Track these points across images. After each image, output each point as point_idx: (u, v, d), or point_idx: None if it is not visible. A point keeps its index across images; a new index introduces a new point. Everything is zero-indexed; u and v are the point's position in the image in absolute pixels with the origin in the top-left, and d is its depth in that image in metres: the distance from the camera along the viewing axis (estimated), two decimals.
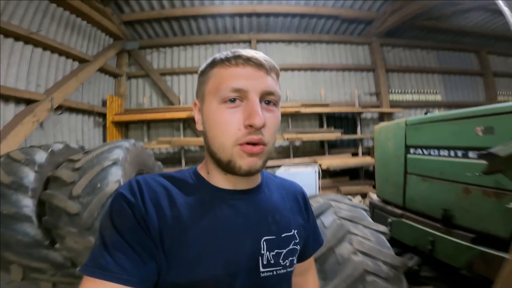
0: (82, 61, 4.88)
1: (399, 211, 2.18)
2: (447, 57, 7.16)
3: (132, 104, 6.25)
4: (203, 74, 0.63)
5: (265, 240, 0.63)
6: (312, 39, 6.54)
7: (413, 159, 2.17)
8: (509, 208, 1.28)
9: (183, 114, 5.51)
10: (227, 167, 0.59)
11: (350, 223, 1.40)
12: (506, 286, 0.91)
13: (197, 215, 0.59)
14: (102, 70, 5.48)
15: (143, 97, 6.21)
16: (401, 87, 6.78)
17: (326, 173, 5.58)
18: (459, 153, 1.71)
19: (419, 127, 2.13)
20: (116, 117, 5.59)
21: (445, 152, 1.82)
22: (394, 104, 6.54)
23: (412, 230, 1.93)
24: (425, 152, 2.03)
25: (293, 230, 0.68)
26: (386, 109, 6.36)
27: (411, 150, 2.20)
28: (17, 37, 3.66)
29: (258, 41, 6.38)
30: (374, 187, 4.44)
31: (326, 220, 1.43)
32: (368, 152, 6.12)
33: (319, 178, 4.17)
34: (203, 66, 0.64)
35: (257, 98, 0.57)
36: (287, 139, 5.63)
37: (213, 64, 0.61)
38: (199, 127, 0.65)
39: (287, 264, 0.66)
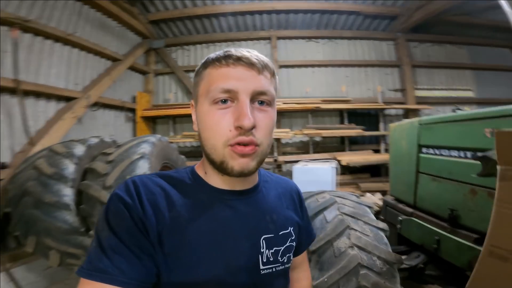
0: (114, 60, 5.21)
1: (409, 210, 2.22)
2: (480, 53, 6.74)
3: (159, 100, 6.58)
4: (197, 75, 0.64)
5: (264, 238, 0.64)
6: (333, 35, 6.46)
7: (425, 159, 2.19)
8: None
9: None
10: (220, 168, 0.59)
11: (351, 219, 1.49)
12: (482, 275, 0.98)
13: (196, 216, 0.59)
14: (131, 68, 5.80)
15: (169, 93, 6.53)
16: (428, 83, 6.52)
17: (346, 170, 5.58)
18: (468, 154, 1.72)
19: (431, 127, 2.14)
20: (145, 113, 5.95)
21: (455, 153, 1.84)
22: (421, 101, 6.32)
23: (420, 228, 1.97)
24: (436, 152, 2.05)
25: (289, 228, 0.71)
26: (411, 106, 6.17)
27: (424, 150, 2.21)
28: (56, 39, 3.95)
29: (278, 38, 6.42)
30: None
31: (329, 215, 1.53)
32: None
33: (337, 174, 4.21)
34: (197, 67, 0.64)
35: (247, 98, 0.57)
36: (307, 134, 5.68)
37: (206, 64, 0.61)
38: (195, 127, 0.65)
39: (285, 261, 0.68)
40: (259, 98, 0.59)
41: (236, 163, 0.57)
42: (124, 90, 5.75)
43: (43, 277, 2.96)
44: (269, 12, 5.90)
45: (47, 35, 3.81)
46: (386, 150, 6.02)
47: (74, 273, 2.48)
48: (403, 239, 2.21)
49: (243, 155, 0.56)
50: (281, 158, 5.83)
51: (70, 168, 2.51)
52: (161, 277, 0.55)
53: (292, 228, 0.71)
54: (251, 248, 0.62)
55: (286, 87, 6.40)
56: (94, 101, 4.51)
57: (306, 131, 5.70)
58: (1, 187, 2.91)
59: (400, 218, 2.24)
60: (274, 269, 0.65)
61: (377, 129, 6.23)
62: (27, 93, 3.46)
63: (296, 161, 4.98)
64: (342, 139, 6.22)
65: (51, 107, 3.91)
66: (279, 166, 6.01)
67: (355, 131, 5.82)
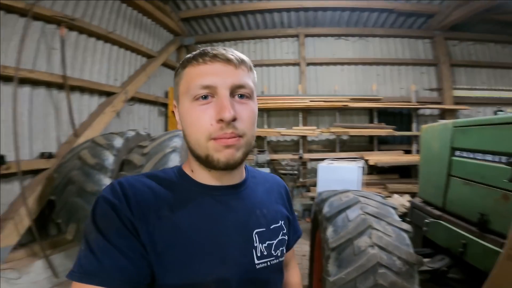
0: (149, 56, 5.49)
1: (437, 213, 2.16)
2: None
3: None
4: (176, 76, 0.64)
5: (256, 232, 0.65)
6: (364, 33, 6.29)
7: (457, 162, 2.11)
8: None
9: None
10: (206, 162, 0.59)
11: (374, 219, 1.50)
12: (499, 279, 0.97)
13: (187, 213, 0.59)
14: (165, 64, 6.05)
15: None
16: (468, 82, 6.14)
17: (373, 170, 5.45)
18: (503, 158, 1.65)
19: (466, 129, 2.06)
20: None
21: (489, 157, 1.77)
22: (459, 101, 5.97)
23: (447, 231, 1.92)
24: (470, 155, 1.98)
25: (280, 221, 0.71)
26: (448, 106, 5.85)
27: (456, 153, 2.14)
28: (98, 37, 4.23)
29: (306, 36, 6.37)
30: None
31: (351, 214, 1.56)
32: None
33: (363, 174, 4.14)
34: (176, 67, 0.65)
35: (227, 92, 0.57)
36: (334, 133, 5.61)
37: (183, 64, 0.62)
38: (179, 127, 0.65)
39: (279, 254, 0.68)
40: (238, 92, 0.59)
41: (221, 155, 0.57)
42: (158, 86, 6.03)
43: None
44: (297, 10, 5.87)
45: (90, 33, 4.08)
46: (418, 151, 5.77)
47: None
48: (428, 241, 2.16)
49: (227, 146, 0.57)
50: (306, 156, 5.83)
51: (110, 159, 2.73)
52: (156, 278, 0.54)
53: (282, 221, 0.72)
54: (245, 243, 0.62)
55: (314, 84, 6.35)
56: (131, 96, 4.81)
57: (333, 129, 5.64)
58: (47, 176, 3.23)
59: (426, 220, 2.19)
60: (269, 263, 0.65)
61: (409, 129, 6.00)
62: (73, 88, 3.78)
63: (322, 159, 4.96)
64: (371, 138, 6.07)
65: (94, 102, 4.23)
66: (304, 164, 6.01)
67: (385, 130, 5.65)
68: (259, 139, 6.16)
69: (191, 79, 0.59)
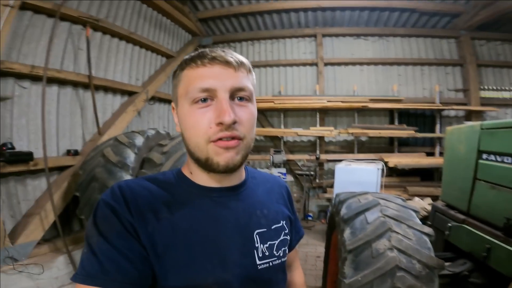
0: (168, 56, 5.60)
1: (461, 217, 2.09)
2: None
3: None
4: (175, 78, 0.63)
5: (257, 233, 0.64)
6: (384, 33, 6.11)
7: (484, 165, 2.02)
8: None
9: None
10: (206, 165, 0.59)
11: (394, 222, 1.46)
12: None
13: (186, 215, 0.59)
14: None
15: None
16: (496, 83, 5.84)
17: (393, 172, 5.30)
18: None
19: (495, 132, 1.97)
20: None
21: None
22: (486, 102, 5.69)
23: (471, 236, 1.85)
24: (498, 158, 1.88)
25: (281, 222, 0.71)
26: (474, 107, 5.59)
27: (484, 156, 2.05)
28: (121, 37, 4.35)
29: (324, 36, 6.27)
30: None
31: (370, 216, 1.53)
32: None
33: (382, 176, 4.04)
34: (174, 69, 0.64)
35: (227, 95, 0.57)
36: (352, 133, 5.51)
37: (182, 66, 0.61)
38: (177, 129, 0.64)
39: (281, 255, 0.68)
40: (238, 95, 0.59)
41: (221, 158, 0.57)
42: None
43: None
44: (314, 9, 5.79)
45: (113, 33, 4.20)
46: (442, 154, 5.57)
47: None
48: (450, 246, 2.10)
49: (227, 149, 0.57)
50: (324, 157, 5.75)
51: (131, 157, 2.81)
52: (158, 280, 0.54)
53: (284, 221, 0.72)
54: (245, 244, 0.62)
55: (332, 85, 6.25)
56: (151, 96, 4.94)
57: (351, 130, 5.53)
58: (73, 173, 3.36)
59: (449, 224, 2.12)
60: (271, 264, 0.65)
61: (432, 131, 5.79)
62: (97, 88, 3.93)
63: (339, 160, 4.88)
64: (391, 140, 5.91)
65: (117, 101, 4.38)
66: (320, 164, 5.94)
67: (406, 132, 5.48)
68: (276, 139, 6.15)
69: (189, 81, 0.58)
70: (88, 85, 3.70)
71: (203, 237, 0.58)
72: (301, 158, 5.82)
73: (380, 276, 1.23)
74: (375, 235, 1.38)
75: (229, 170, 0.59)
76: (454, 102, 5.83)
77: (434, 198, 4.63)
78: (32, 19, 3.11)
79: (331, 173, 5.84)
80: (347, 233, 1.50)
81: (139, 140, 2.95)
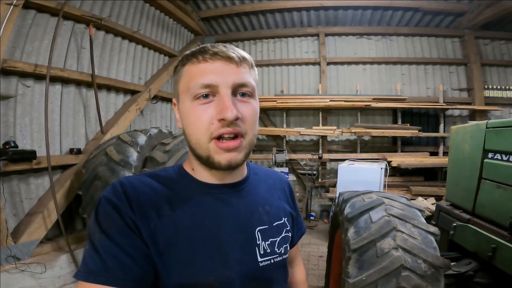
0: (170, 55, 5.60)
1: (466, 216, 2.06)
2: None
3: None
4: (176, 73, 0.63)
5: (259, 230, 0.64)
6: (388, 32, 6.08)
7: (490, 164, 2.00)
8: None
9: None
10: (207, 163, 0.59)
11: (399, 221, 1.44)
12: None
13: (188, 212, 0.58)
14: None
15: None
16: (501, 82, 5.80)
17: (396, 171, 5.27)
18: None
19: (500, 130, 1.95)
20: None
21: None
22: (490, 101, 5.65)
23: (476, 235, 1.83)
24: (504, 157, 1.86)
25: (283, 218, 0.71)
26: (479, 106, 5.55)
27: (489, 155, 2.02)
28: (124, 36, 4.35)
29: (326, 35, 6.24)
30: None
31: (375, 216, 1.51)
32: None
33: (385, 175, 4.02)
34: (175, 64, 0.64)
35: (229, 91, 0.56)
36: (355, 133, 5.49)
37: (183, 62, 0.60)
38: (179, 125, 0.64)
39: (282, 252, 0.67)
40: (240, 90, 0.58)
41: (222, 157, 0.57)
42: None
43: None
44: (316, 8, 5.77)
45: (116, 33, 4.21)
46: (446, 153, 5.55)
47: None
48: (455, 245, 2.08)
49: (228, 150, 0.56)
50: (326, 156, 5.73)
51: (134, 155, 2.81)
52: (160, 277, 0.54)
53: (286, 218, 0.71)
54: (247, 241, 0.62)
55: (335, 84, 6.23)
56: (154, 95, 4.94)
57: (354, 130, 5.51)
58: (75, 171, 3.36)
59: (454, 224, 2.10)
60: (272, 261, 0.64)
61: (436, 130, 5.76)
62: (100, 87, 3.94)
63: (342, 160, 4.86)
64: (394, 139, 5.87)
65: (119, 100, 4.39)
66: (323, 164, 5.92)
67: (409, 131, 5.45)
68: (278, 138, 6.13)
69: (191, 77, 0.57)
70: (91, 84, 3.71)
71: (204, 234, 0.58)
72: (304, 157, 5.80)
73: (385, 275, 1.21)
74: (379, 234, 1.37)
75: (232, 168, 0.59)
76: (458, 101, 5.80)
77: (438, 198, 4.60)
78: (35, 18, 3.12)
79: (334, 172, 5.82)
80: (351, 232, 1.49)
81: (142, 139, 2.95)
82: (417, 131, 5.42)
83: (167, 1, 5.08)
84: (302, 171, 5.75)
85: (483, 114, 5.60)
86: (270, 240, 0.65)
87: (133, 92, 4.58)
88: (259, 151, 6.21)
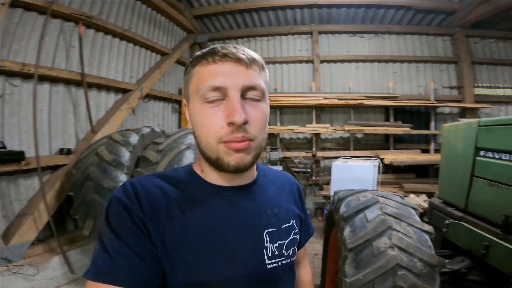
0: (163, 54, 5.53)
1: (459, 214, 2.09)
2: None
3: None
4: (186, 74, 0.63)
5: (267, 232, 0.64)
6: (380, 30, 6.13)
7: (482, 162, 2.03)
8: None
9: None
10: (216, 165, 0.58)
11: (394, 220, 1.45)
12: None
13: (197, 214, 0.59)
14: (178, 61, 6.08)
15: None
16: (490, 81, 5.92)
17: (389, 169, 5.33)
18: None
19: (492, 129, 1.97)
20: None
21: None
22: (480, 99, 5.76)
23: (469, 233, 1.85)
24: (496, 155, 1.89)
25: (292, 221, 0.71)
26: (469, 104, 5.65)
27: (481, 153, 2.05)
28: (114, 34, 4.29)
29: (320, 33, 6.26)
30: None
31: (370, 214, 1.51)
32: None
33: (379, 173, 4.05)
34: (186, 65, 0.63)
35: (238, 94, 0.55)
36: (348, 130, 5.52)
37: (193, 63, 0.60)
38: (189, 126, 0.64)
39: (290, 254, 0.67)
40: (249, 93, 0.57)
41: (232, 159, 0.56)
42: (172, 83, 6.09)
43: None
44: (310, 6, 5.78)
45: (107, 31, 4.14)
46: (437, 150, 5.64)
47: None
48: (447, 243, 2.10)
49: (238, 151, 0.56)
50: (320, 154, 5.76)
51: (126, 155, 2.75)
52: (167, 278, 0.54)
53: (294, 221, 0.71)
54: (255, 243, 0.62)
55: (328, 82, 6.26)
56: (146, 93, 4.86)
57: (347, 127, 5.54)
58: (66, 172, 3.29)
59: (447, 221, 2.12)
60: (280, 263, 0.64)
61: (427, 127, 5.85)
62: (90, 85, 3.86)
63: (336, 158, 4.88)
64: (386, 136, 5.94)
65: (110, 98, 4.31)
66: (317, 162, 5.94)
67: (401, 129, 5.51)
68: (272, 136, 6.13)
69: (201, 79, 0.57)
70: (81, 82, 3.63)
71: (212, 236, 0.58)
72: (298, 155, 5.82)
73: (381, 274, 1.22)
74: (375, 234, 1.37)
75: (240, 170, 0.58)
76: (449, 99, 5.90)
77: (430, 195, 4.68)
78: (23, 16, 3.04)
79: (327, 170, 5.85)
80: (347, 231, 1.49)
81: (134, 138, 2.90)
82: (409, 129, 5.49)
83: None
84: (296, 169, 5.76)
85: (473, 112, 5.71)
86: (278, 242, 0.65)
87: (125, 91, 4.50)
88: None
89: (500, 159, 1.84)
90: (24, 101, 3.07)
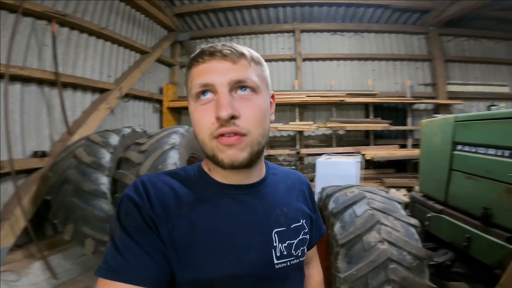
0: (143, 52, 5.37)
1: (439, 207, 2.17)
2: None
3: (184, 91, 6.72)
4: (185, 77, 0.65)
5: (276, 232, 0.63)
6: (360, 29, 6.30)
7: (459, 156, 2.12)
8: None
9: None
10: (213, 161, 0.59)
11: (382, 214, 1.49)
12: None
13: (205, 212, 0.59)
14: (159, 60, 5.96)
15: None
16: (462, 78, 6.25)
17: (370, 164, 5.48)
18: (507, 153, 1.66)
19: (468, 124, 2.07)
20: (171, 104, 6.13)
21: (492, 151, 1.77)
22: (453, 96, 6.06)
23: (450, 226, 1.93)
24: (473, 149, 1.98)
25: (301, 220, 0.70)
26: (442, 100, 5.93)
27: (458, 147, 2.14)
28: (91, 33, 4.12)
29: (302, 31, 6.34)
30: None
31: (358, 210, 1.55)
32: (418, 144, 5.83)
33: (361, 168, 4.15)
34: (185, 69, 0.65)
35: (225, 89, 0.56)
36: (330, 127, 5.62)
37: (189, 65, 0.62)
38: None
39: (299, 254, 0.66)
40: (239, 87, 0.58)
41: (225, 155, 0.56)
42: (152, 82, 5.93)
43: (77, 265, 3.13)
44: (292, 5, 5.83)
45: (82, 29, 3.97)
46: (414, 145, 5.87)
47: None
48: (430, 236, 2.18)
49: (229, 146, 0.55)
50: (303, 151, 5.83)
51: (106, 157, 2.64)
52: (175, 276, 0.55)
53: (304, 220, 0.70)
54: (263, 242, 0.61)
55: (310, 80, 6.34)
56: (126, 93, 4.70)
57: (329, 124, 5.65)
58: (41, 175, 3.12)
59: (428, 215, 2.20)
60: (288, 263, 0.64)
61: (404, 123, 6.06)
62: (65, 85, 3.67)
63: (319, 154, 4.95)
64: (367, 133, 6.11)
65: (87, 99, 4.13)
66: (301, 159, 6.01)
67: (381, 125, 5.69)
68: None
69: (192, 79, 0.59)
70: (55, 82, 3.45)
71: (221, 235, 0.58)
72: (282, 153, 5.85)
73: (374, 268, 1.25)
74: (365, 228, 1.40)
75: (235, 167, 0.57)
76: (424, 96, 6.16)
77: (409, 189, 4.86)
78: None
79: (311, 167, 5.93)
80: (337, 227, 1.51)
81: (114, 139, 2.79)
82: (388, 125, 5.68)
83: None
84: None
85: (446, 108, 5.99)
86: (287, 242, 0.65)
87: (102, 91, 4.32)
88: None
89: (476, 152, 1.93)
90: None
